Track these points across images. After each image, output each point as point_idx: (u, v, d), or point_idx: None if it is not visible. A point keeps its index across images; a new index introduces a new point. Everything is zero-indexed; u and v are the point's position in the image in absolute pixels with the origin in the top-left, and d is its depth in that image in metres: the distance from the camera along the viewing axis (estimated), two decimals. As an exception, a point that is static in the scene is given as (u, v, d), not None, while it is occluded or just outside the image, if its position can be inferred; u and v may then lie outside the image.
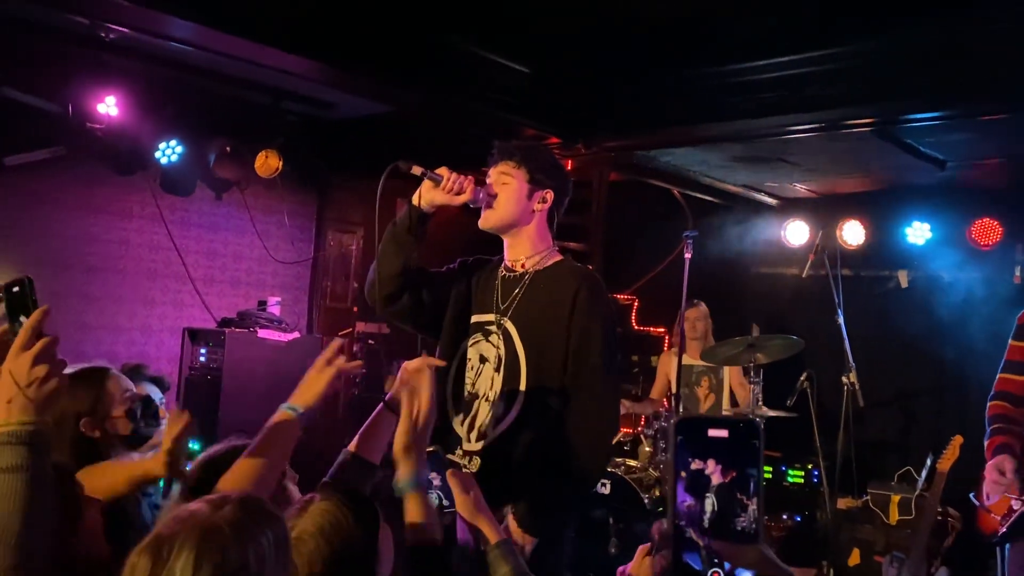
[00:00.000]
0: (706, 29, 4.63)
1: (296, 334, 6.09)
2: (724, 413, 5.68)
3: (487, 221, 2.65)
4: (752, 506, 1.30)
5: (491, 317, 2.66)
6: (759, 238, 6.85)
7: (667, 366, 6.19)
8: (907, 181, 6.31)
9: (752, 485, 1.30)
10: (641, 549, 1.68)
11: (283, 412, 2.01)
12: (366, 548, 1.74)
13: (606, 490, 5.07)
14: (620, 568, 1.70)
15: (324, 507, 1.74)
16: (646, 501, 5.04)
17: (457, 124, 5.68)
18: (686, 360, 5.74)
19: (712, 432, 1.32)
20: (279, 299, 6.28)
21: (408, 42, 4.69)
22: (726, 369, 5.78)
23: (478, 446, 2.58)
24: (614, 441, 2.99)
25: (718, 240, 6.55)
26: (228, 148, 5.48)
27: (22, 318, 1.58)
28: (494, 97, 5.20)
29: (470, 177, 2.58)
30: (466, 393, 2.66)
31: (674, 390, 6.02)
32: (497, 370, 2.59)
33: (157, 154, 5.33)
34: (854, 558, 5.40)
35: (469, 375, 2.66)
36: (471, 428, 2.61)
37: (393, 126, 6.01)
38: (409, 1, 4.48)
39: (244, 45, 4.17)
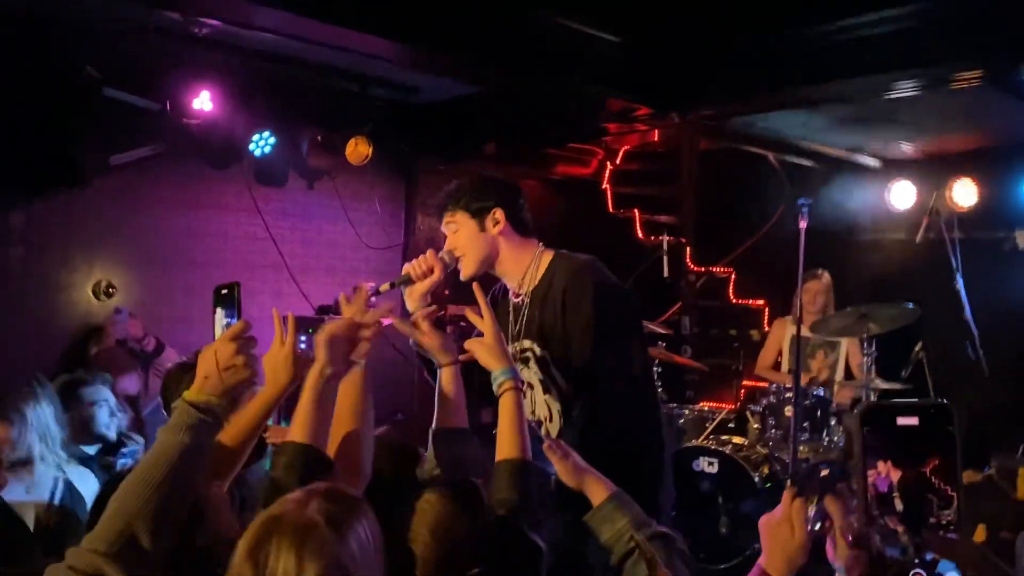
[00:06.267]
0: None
1: (390, 319, 6.12)
2: (838, 389, 5.45)
3: (467, 272, 2.63)
4: (954, 497, 1.19)
5: (516, 345, 2.66)
6: (862, 203, 6.54)
7: (780, 335, 5.91)
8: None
9: (953, 474, 1.19)
10: (788, 492, 1.58)
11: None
12: (477, 534, 1.75)
13: (713, 469, 4.94)
14: (764, 516, 1.60)
15: (431, 502, 1.76)
16: (756, 479, 4.90)
17: (544, 100, 5.58)
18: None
19: (901, 420, 1.21)
20: (373, 284, 6.31)
21: (490, 17, 4.61)
22: (843, 343, 5.52)
23: None
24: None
25: (819, 206, 6.25)
26: (319, 137, 5.51)
27: (221, 311, 1.92)
28: (581, 70, 5.08)
29: (430, 251, 2.57)
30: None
31: (785, 361, 5.79)
32: (547, 391, 2.59)
33: (251, 146, 5.40)
34: (979, 535, 5.10)
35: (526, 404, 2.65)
36: None
37: (480, 106, 5.96)
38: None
39: (328, 30, 4.19)
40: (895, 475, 1.22)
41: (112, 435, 3.97)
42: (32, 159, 4.79)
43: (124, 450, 4.01)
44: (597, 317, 2.48)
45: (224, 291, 1.96)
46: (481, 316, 2.17)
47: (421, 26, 4.34)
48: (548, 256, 2.65)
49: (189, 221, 5.76)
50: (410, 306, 2.56)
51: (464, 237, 2.61)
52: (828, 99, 4.96)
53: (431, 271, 2.53)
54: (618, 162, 7.26)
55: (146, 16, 4.28)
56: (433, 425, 2.20)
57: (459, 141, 6.43)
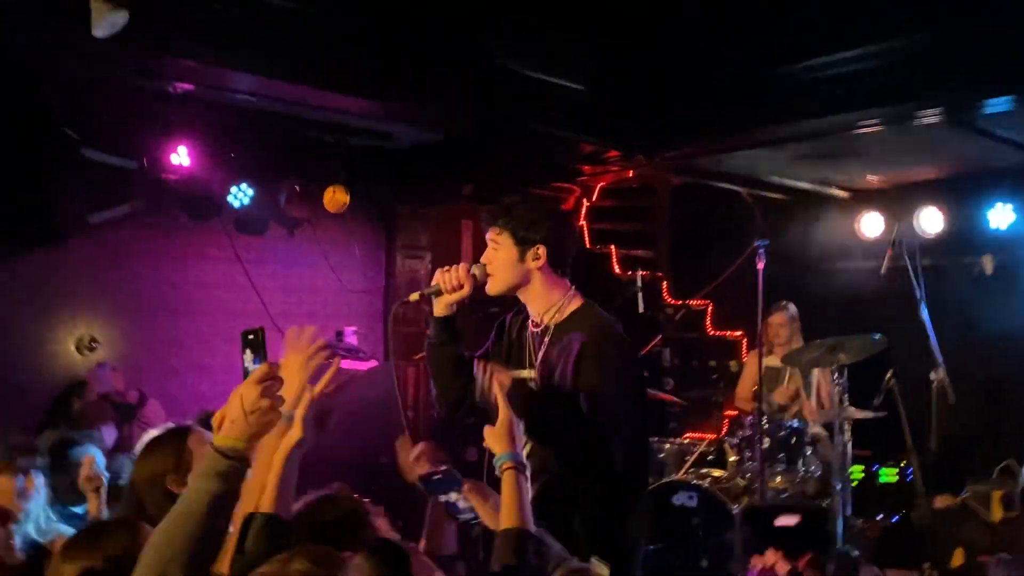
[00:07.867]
0: (765, 28, 4.55)
1: (373, 362, 6.18)
2: (808, 417, 5.54)
3: (492, 290, 2.67)
4: None
5: (529, 373, 2.67)
6: (832, 233, 6.67)
7: (754, 366, 6.03)
8: (986, 164, 6.06)
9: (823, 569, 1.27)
10: None
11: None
12: None
13: (693, 503, 5.00)
14: None
15: (360, 567, 1.81)
16: (736, 511, 4.95)
17: (515, 145, 5.70)
18: (771, 362, 5.63)
19: (780, 521, 1.30)
20: (355, 328, 6.39)
21: (461, 71, 4.73)
22: (815, 372, 5.63)
23: None
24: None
25: (789, 238, 6.41)
26: (297, 188, 5.60)
27: (249, 354, 1.95)
28: (550, 116, 5.20)
29: (462, 265, 2.62)
30: None
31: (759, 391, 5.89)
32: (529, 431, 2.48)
33: (229, 198, 5.48)
34: (957, 559, 5.20)
35: None
36: None
37: (455, 149, 6.06)
38: (458, 31, 4.51)
39: (301, 91, 4.28)
40: (782, 568, 1.31)
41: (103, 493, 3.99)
42: (11, 218, 4.86)
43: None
44: (613, 387, 2.51)
45: (251, 335, 2.02)
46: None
47: (393, 82, 4.45)
48: (578, 301, 2.67)
49: (170, 272, 5.83)
50: (437, 312, 2.65)
51: (501, 260, 2.63)
52: (790, 138, 5.09)
53: (461, 285, 2.59)
54: (594, 198, 7.36)
55: (122, 79, 4.38)
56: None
57: (436, 184, 6.52)
